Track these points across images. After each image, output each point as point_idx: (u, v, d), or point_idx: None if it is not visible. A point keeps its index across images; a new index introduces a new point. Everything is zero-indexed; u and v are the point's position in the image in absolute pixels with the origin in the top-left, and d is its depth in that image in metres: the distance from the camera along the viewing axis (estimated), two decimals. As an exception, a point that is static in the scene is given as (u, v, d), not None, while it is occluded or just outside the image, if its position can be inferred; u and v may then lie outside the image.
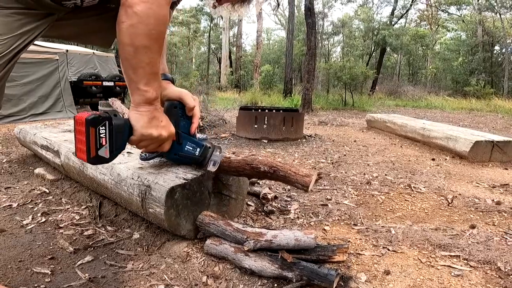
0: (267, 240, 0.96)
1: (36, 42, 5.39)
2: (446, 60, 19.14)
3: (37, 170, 1.93)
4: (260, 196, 1.51)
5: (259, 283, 0.93)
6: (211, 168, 1.00)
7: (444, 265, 1.05)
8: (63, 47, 6.12)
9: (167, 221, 1.03)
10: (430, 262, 1.07)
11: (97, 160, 0.75)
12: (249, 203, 1.46)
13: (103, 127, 0.74)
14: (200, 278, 0.95)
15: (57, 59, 5.64)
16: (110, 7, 0.94)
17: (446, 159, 2.72)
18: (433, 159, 2.69)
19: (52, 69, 5.56)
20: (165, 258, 1.04)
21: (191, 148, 0.96)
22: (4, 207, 1.50)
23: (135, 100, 0.78)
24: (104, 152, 0.75)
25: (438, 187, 1.92)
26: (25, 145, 2.26)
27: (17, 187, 1.76)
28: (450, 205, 1.63)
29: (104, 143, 0.75)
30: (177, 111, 0.92)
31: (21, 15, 0.69)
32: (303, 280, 0.90)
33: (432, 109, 9.67)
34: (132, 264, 1.02)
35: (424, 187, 1.90)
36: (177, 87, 0.98)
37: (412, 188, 1.87)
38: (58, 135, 1.89)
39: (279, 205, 1.50)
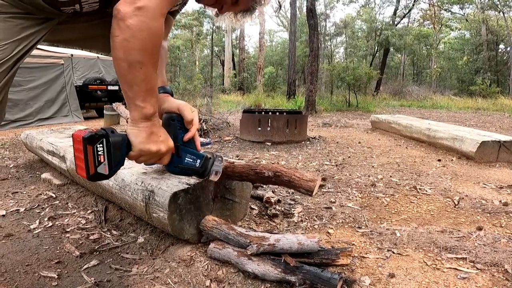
0: (270, 244, 0.96)
1: (41, 47, 5.45)
2: (450, 59, 19.00)
3: (44, 175, 1.96)
4: (264, 199, 1.51)
5: (262, 287, 0.93)
6: (213, 177, 1.00)
7: (450, 268, 1.03)
8: (68, 51, 6.19)
9: (171, 226, 1.03)
10: (435, 264, 1.06)
11: (96, 177, 0.75)
12: (252, 206, 1.47)
13: (101, 145, 0.74)
14: (204, 282, 0.95)
15: (63, 64, 5.71)
16: (110, 13, 0.95)
17: (452, 160, 2.70)
18: (439, 160, 2.67)
19: (57, 73, 5.63)
20: (169, 262, 1.04)
21: (191, 160, 0.95)
22: (11, 211, 1.52)
23: (133, 116, 0.77)
24: (103, 169, 0.75)
25: (444, 188, 1.90)
26: (32, 150, 2.29)
27: (24, 192, 1.79)
28: (456, 206, 1.61)
29: (102, 160, 0.74)
30: (175, 123, 0.91)
31: (20, 19, 0.69)
32: (306, 284, 0.90)
33: (438, 109, 9.58)
34: (137, 268, 1.03)
35: (430, 189, 1.88)
36: (176, 98, 0.97)
37: (418, 190, 1.85)
38: (63, 140, 1.92)
39: (282, 209, 1.50)
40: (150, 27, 0.68)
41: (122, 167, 0.79)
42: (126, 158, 0.80)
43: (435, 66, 19.85)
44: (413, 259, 1.09)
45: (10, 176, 2.12)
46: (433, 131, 3.24)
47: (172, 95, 0.96)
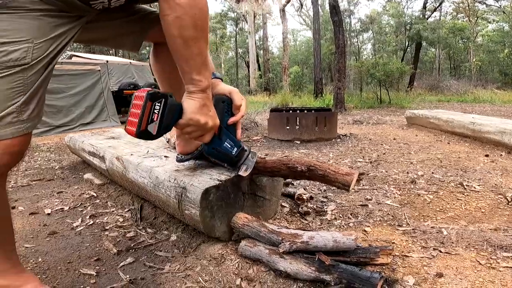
0: (303, 241, 0.92)
1: (78, 54, 5.73)
2: (491, 52, 17.57)
3: (86, 176, 2.07)
4: (295, 196, 1.46)
5: (295, 287, 0.89)
6: (243, 172, 0.98)
7: (507, 267, 0.93)
8: (103, 58, 6.50)
9: (202, 223, 1.03)
10: (490, 263, 0.95)
11: (144, 134, 0.77)
12: (283, 204, 1.43)
13: (159, 104, 0.77)
14: (234, 280, 0.93)
15: (99, 70, 6.02)
16: (137, 8, 0.96)
17: (501, 154, 2.46)
18: (486, 155, 2.45)
19: (95, 79, 5.93)
20: (200, 260, 1.04)
21: (229, 146, 0.96)
22: (56, 210, 1.61)
23: (189, 89, 0.81)
24: (153, 127, 0.77)
25: (495, 184, 1.73)
26: (75, 152, 2.44)
27: (68, 192, 1.90)
28: (509, 203, 1.46)
29: (155, 118, 0.77)
30: (224, 105, 0.93)
31: (53, 17, 0.70)
32: (343, 283, 0.85)
33: (480, 103, 8.87)
34: (169, 266, 1.03)
35: (478, 185, 1.72)
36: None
37: (465, 187, 1.70)
38: (103, 141, 2.01)
39: (314, 206, 1.44)
40: (198, 3, 0.72)
41: (167, 133, 0.81)
42: (174, 126, 0.82)
43: (474, 60, 18.44)
44: (464, 258, 0.99)
45: (55, 177, 2.27)
46: (478, 125, 2.99)
47: (222, 80, 0.99)
